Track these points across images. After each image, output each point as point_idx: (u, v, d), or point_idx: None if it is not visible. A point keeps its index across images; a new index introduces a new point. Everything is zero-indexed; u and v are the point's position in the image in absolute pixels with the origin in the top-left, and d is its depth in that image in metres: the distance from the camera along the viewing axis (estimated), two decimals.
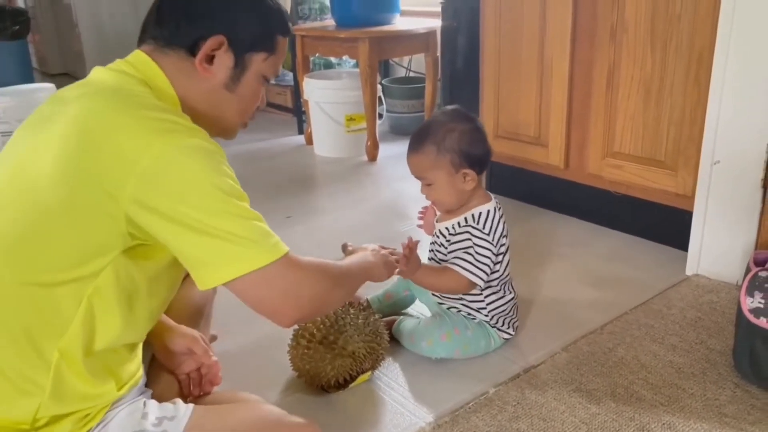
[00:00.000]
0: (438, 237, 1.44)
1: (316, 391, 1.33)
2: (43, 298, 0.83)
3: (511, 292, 1.46)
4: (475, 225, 1.37)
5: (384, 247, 1.28)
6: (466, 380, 1.36)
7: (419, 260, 1.34)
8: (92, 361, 0.87)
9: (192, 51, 0.95)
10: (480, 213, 1.37)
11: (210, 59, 0.95)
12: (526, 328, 1.54)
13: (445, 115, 1.40)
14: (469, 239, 1.37)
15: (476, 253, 1.35)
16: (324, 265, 0.97)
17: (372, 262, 1.17)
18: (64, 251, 0.83)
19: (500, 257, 1.40)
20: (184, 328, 1.18)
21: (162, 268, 0.91)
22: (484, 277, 1.36)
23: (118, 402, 0.93)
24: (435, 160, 1.34)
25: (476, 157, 1.36)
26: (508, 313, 1.45)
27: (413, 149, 1.38)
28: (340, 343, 1.28)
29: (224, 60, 0.96)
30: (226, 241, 0.83)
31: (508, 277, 1.45)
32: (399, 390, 1.34)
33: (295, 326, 1.35)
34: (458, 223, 1.39)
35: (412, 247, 1.30)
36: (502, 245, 1.40)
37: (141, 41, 0.98)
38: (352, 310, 1.34)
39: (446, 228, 1.42)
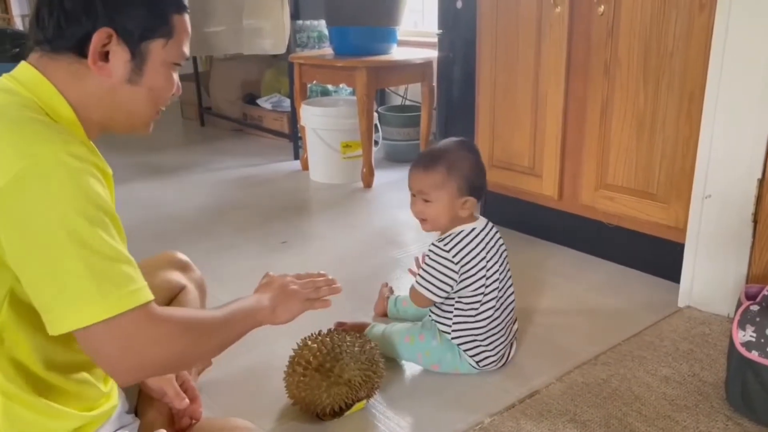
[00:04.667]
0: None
1: (311, 419, 1.33)
2: None
3: (492, 325, 1.44)
4: (437, 243, 1.42)
5: (303, 277, 1.17)
6: (461, 410, 1.36)
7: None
8: (41, 389, 0.84)
9: (81, 52, 0.86)
10: (451, 233, 1.43)
11: (104, 56, 0.87)
12: (521, 358, 1.55)
13: (456, 144, 1.47)
14: (428, 255, 1.43)
15: (430, 267, 1.41)
16: (190, 320, 0.88)
17: (263, 307, 1.05)
18: None
19: (470, 279, 1.41)
20: None
21: None
22: (438, 292, 1.41)
23: None
24: (443, 181, 1.40)
25: (478, 187, 1.43)
26: (480, 342, 1.44)
27: (424, 166, 1.42)
28: (336, 370, 1.28)
29: (119, 54, 0.88)
30: (72, 286, 0.75)
31: (492, 307, 1.44)
32: (394, 419, 1.34)
33: (291, 353, 1.36)
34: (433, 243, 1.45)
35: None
36: (470, 265, 1.41)
37: (31, 49, 0.90)
38: (348, 338, 1.35)
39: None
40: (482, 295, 1.43)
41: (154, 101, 0.95)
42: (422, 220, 1.46)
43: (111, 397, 0.97)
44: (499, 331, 1.46)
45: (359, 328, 1.54)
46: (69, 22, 0.86)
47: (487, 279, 1.43)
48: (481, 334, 1.44)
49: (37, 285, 0.77)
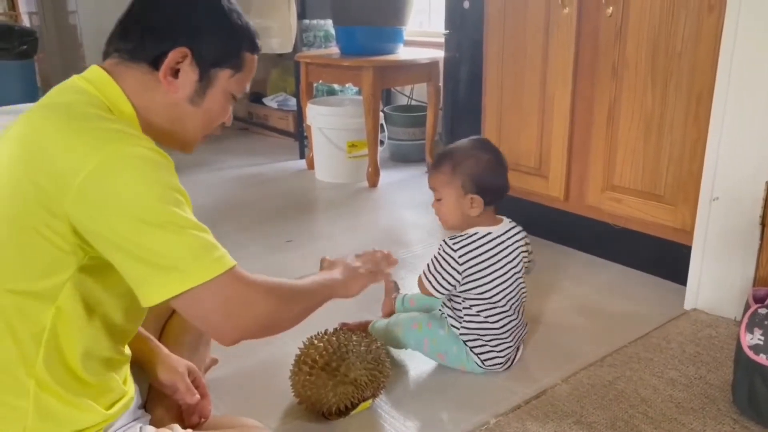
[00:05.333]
0: None
1: (317, 418, 1.33)
2: (9, 325, 0.83)
3: (501, 329, 1.45)
4: (448, 240, 1.44)
5: (361, 255, 1.25)
6: (467, 410, 1.36)
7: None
8: (71, 383, 0.87)
9: (155, 65, 0.93)
10: (465, 234, 1.44)
11: (174, 73, 0.94)
12: (527, 359, 1.55)
13: (470, 143, 1.50)
14: (438, 248, 1.45)
15: (434, 261, 1.44)
16: (274, 284, 0.94)
17: (336, 280, 1.12)
18: (16, 266, 0.83)
19: (475, 283, 1.42)
20: (173, 359, 1.16)
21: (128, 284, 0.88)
22: (439, 288, 1.43)
23: (112, 426, 0.92)
24: (449, 179, 1.43)
25: (488, 186, 1.43)
26: (486, 343, 1.45)
27: (434, 165, 1.48)
28: (342, 370, 1.28)
29: (188, 74, 0.95)
30: (164, 256, 0.81)
31: (499, 310, 1.44)
32: (399, 419, 1.34)
33: (297, 352, 1.36)
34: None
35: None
36: (475, 269, 1.41)
37: (106, 54, 0.98)
38: (354, 338, 1.35)
39: None
40: (485, 301, 1.43)
41: (206, 125, 1.02)
42: (439, 218, 1.49)
43: (129, 391, 0.99)
44: (507, 335, 1.46)
45: (363, 327, 1.54)
46: (152, 38, 0.94)
47: (494, 285, 1.43)
48: (487, 335, 1.44)
49: (128, 263, 0.82)
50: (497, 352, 1.46)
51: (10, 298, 0.83)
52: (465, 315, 1.45)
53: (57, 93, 0.93)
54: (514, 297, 1.46)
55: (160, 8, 0.95)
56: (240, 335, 0.89)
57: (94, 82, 0.93)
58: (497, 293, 1.43)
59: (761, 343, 1.25)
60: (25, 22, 5.69)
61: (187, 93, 0.96)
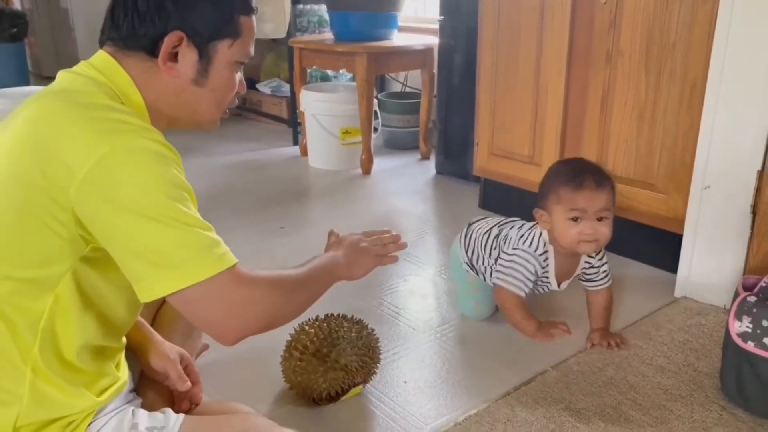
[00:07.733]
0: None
1: (308, 403, 1.33)
2: (5, 311, 0.83)
3: None
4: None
5: (370, 234, 1.20)
6: (456, 396, 1.37)
7: None
8: (66, 371, 0.87)
9: (152, 52, 0.91)
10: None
11: (173, 57, 0.92)
12: (517, 346, 1.55)
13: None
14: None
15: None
16: (276, 278, 0.92)
17: (340, 263, 1.09)
18: (15, 252, 0.83)
19: None
20: (166, 346, 1.15)
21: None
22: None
23: (104, 410, 0.92)
24: (613, 199, 1.45)
25: None
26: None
27: (601, 185, 1.42)
28: (332, 356, 1.29)
29: (188, 55, 0.92)
30: (164, 253, 0.80)
31: None
32: (390, 404, 1.35)
33: (288, 338, 1.36)
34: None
35: None
36: None
37: (101, 43, 0.95)
38: (345, 324, 1.35)
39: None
40: None
41: (218, 102, 0.99)
42: (595, 242, 1.43)
43: (122, 377, 0.98)
44: None
45: None
46: (142, 23, 0.91)
47: None
48: None
49: (128, 257, 0.81)
50: None
51: (8, 284, 0.83)
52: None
53: (66, 79, 0.92)
54: None
55: None
56: (242, 334, 0.88)
57: (102, 69, 0.91)
58: None
59: (749, 330, 1.26)
60: (16, 4, 5.62)
61: (190, 75, 0.94)
